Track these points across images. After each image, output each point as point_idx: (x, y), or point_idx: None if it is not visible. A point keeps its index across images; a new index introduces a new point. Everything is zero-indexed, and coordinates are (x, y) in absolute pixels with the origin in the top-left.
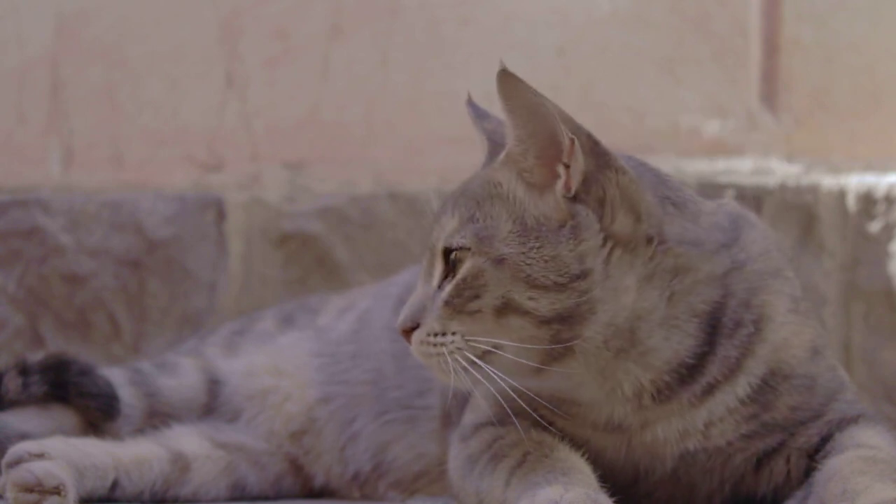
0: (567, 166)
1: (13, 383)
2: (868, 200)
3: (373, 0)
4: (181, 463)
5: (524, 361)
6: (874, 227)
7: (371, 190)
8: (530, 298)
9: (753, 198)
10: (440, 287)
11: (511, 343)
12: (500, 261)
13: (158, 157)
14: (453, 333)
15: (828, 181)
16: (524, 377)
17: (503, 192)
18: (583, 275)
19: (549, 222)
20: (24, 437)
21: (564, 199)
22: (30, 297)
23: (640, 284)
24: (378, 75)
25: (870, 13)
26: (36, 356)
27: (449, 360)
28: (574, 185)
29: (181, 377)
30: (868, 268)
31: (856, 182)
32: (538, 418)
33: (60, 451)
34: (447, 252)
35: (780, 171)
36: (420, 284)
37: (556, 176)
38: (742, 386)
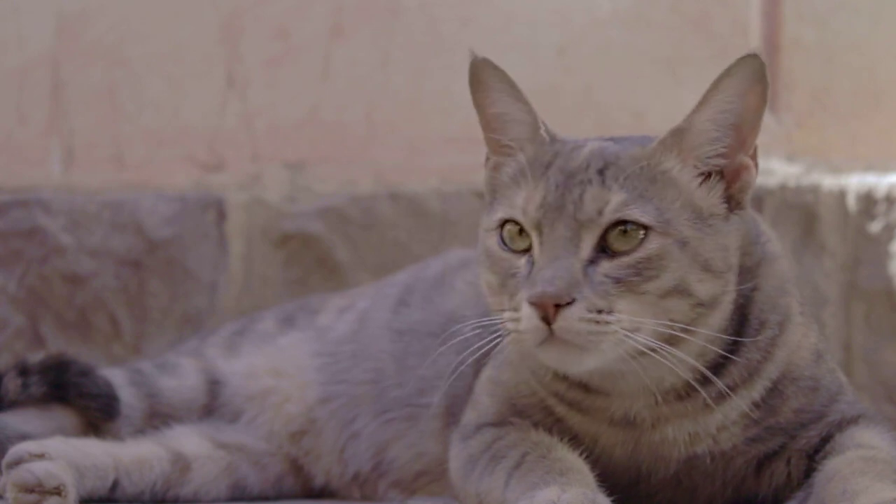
0: (750, 156)
1: (13, 384)
2: (869, 200)
3: (373, 0)
4: (182, 463)
5: (649, 342)
6: (875, 227)
7: (372, 190)
8: (700, 281)
9: (754, 198)
10: (593, 261)
11: (656, 321)
12: (684, 243)
13: (159, 158)
14: (619, 312)
15: (828, 181)
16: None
17: (671, 177)
18: (731, 267)
19: (719, 213)
20: (24, 437)
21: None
22: (30, 297)
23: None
24: (378, 75)
25: (870, 13)
26: (36, 356)
27: (619, 339)
28: (755, 178)
29: (182, 378)
30: (869, 268)
31: (856, 182)
32: (554, 411)
33: (61, 451)
34: (615, 224)
35: (781, 171)
36: (560, 253)
37: (734, 166)
38: (758, 390)
